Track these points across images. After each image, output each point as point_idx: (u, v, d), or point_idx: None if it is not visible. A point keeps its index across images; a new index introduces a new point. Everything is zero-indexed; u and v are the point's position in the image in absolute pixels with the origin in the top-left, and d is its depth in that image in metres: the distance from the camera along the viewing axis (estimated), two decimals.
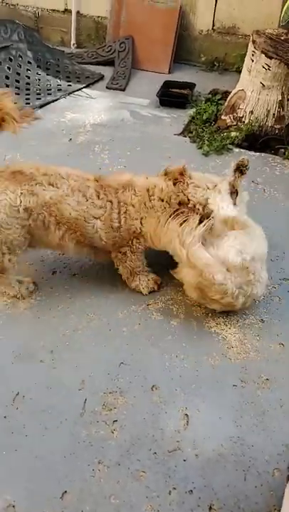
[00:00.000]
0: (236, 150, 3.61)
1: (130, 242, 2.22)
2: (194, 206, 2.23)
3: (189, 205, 2.22)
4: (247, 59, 3.58)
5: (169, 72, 4.97)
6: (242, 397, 1.90)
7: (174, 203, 2.20)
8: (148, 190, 2.19)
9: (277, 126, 3.63)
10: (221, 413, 1.85)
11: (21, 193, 1.99)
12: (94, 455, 1.70)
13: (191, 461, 1.70)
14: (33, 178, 2.04)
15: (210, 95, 4.34)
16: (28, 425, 1.78)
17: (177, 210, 2.14)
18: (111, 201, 2.13)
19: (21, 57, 4.59)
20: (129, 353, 2.07)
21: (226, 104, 3.90)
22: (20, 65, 4.55)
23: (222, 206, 2.21)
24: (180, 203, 2.21)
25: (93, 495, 1.59)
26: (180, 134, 3.86)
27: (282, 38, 3.48)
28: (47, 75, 4.67)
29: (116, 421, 1.81)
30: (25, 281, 2.31)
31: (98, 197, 2.12)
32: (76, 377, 1.96)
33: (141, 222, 2.18)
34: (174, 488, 1.61)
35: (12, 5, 5.53)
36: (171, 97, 4.35)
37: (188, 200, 2.23)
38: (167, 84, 4.48)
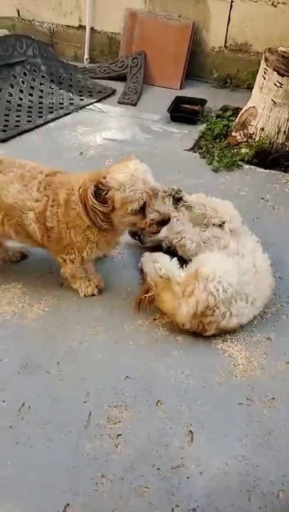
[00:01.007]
0: (246, 167, 3.64)
1: (68, 251, 2.18)
2: None
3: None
4: (259, 76, 3.62)
5: (181, 88, 5.06)
6: (248, 416, 1.89)
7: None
8: (73, 189, 2.03)
9: (288, 144, 3.65)
10: (226, 431, 1.84)
11: None
12: (98, 469, 1.69)
13: (195, 479, 1.68)
14: None
15: (221, 111, 4.39)
16: (32, 436, 1.78)
17: None
18: (48, 196, 2.08)
19: (35, 71, 4.70)
20: (134, 367, 2.07)
21: (236, 120, 3.95)
22: (34, 79, 4.65)
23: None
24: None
25: (96, 509, 1.58)
26: (190, 149, 3.90)
27: None
28: (60, 89, 4.77)
29: (120, 435, 1.81)
30: None
31: (38, 190, 2.09)
32: (81, 390, 1.96)
33: (68, 228, 2.08)
34: (177, 506, 1.60)
35: (28, 21, 5.68)
36: (182, 112, 4.40)
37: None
38: (178, 100, 4.55)
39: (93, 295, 2.39)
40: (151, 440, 1.80)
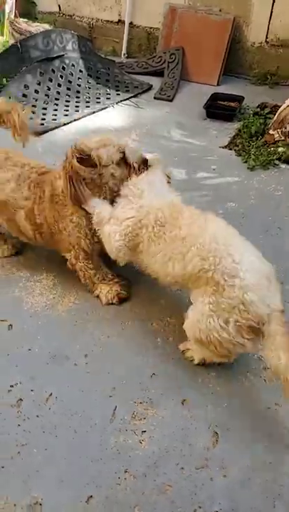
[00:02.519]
0: (283, 166, 3.55)
1: (67, 248, 2.22)
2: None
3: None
4: None
5: (218, 85, 4.99)
6: (275, 421, 1.85)
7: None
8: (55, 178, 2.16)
9: None
10: (253, 435, 1.80)
11: None
12: (121, 463, 1.70)
13: (219, 481, 1.66)
14: None
15: (258, 109, 4.29)
16: (58, 426, 1.81)
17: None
18: (36, 194, 2.18)
19: (74, 65, 4.74)
20: (161, 365, 2.06)
21: (274, 118, 3.85)
22: (72, 74, 4.70)
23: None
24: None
25: (118, 503, 1.59)
26: (225, 146, 3.85)
27: None
28: (97, 83, 4.80)
29: (145, 431, 1.81)
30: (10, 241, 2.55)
31: (28, 188, 2.19)
32: (108, 384, 1.97)
33: (55, 221, 2.14)
34: (200, 507, 1.59)
35: (69, 15, 5.74)
36: (219, 109, 4.34)
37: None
38: (215, 97, 4.49)
39: (112, 303, 2.30)
40: (175, 439, 1.79)
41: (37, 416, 1.84)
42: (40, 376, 1.98)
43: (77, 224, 2.11)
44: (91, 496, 1.60)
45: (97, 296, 2.33)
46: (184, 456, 1.74)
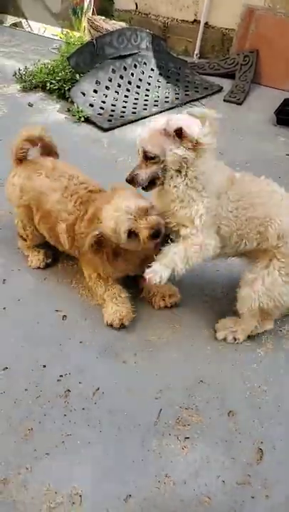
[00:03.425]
0: None
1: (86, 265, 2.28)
2: None
3: None
4: None
5: None
6: None
7: None
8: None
9: None
10: None
11: (19, 176, 2.31)
12: (162, 467, 1.70)
13: (260, 501, 1.61)
14: (38, 168, 2.30)
15: None
16: (103, 422, 1.83)
17: None
18: (80, 211, 2.18)
19: (146, 64, 4.77)
20: (209, 373, 2.03)
21: None
22: (143, 72, 4.73)
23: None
24: None
25: (156, 507, 1.58)
26: None
27: None
28: (167, 83, 4.80)
29: (188, 438, 1.79)
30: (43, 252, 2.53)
31: (74, 203, 2.20)
32: (155, 385, 1.97)
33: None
34: None
35: (145, 14, 5.78)
36: None
37: None
38: (287, 102, 4.33)
39: (111, 325, 2.18)
40: (218, 450, 1.76)
41: (83, 409, 1.87)
42: (89, 369, 2.02)
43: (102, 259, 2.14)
44: (130, 495, 1.61)
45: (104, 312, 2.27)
46: (226, 469, 1.70)
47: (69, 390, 1.93)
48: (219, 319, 2.23)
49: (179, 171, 1.84)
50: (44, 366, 2.01)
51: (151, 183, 1.93)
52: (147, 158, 1.86)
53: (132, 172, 1.93)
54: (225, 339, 2.16)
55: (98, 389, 1.95)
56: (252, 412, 1.89)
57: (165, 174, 1.87)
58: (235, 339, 2.15)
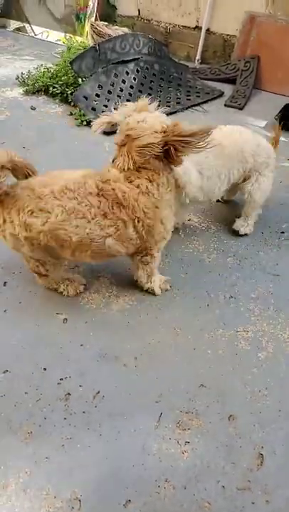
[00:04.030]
0: None
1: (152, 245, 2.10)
2: None
3: None
4: None
5: None
6: None
7: None
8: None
9: None
10: None
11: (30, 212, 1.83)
12: (162, 472, 1.69)
13: (260, 506, 1.60)
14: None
15: None
16: (103, 425, 1.82)
17: None
18: (108, 204, 1.87)
19: (148, 69, 4.79)
20: (210, 377, 2.03)
21: None
22: (145, 77, 4.75)
23: None
24: None
25: (156, 511, 1.58)
26: None
27: None
28: (168, 87, 4.82)
29: (188, 442, 1.78)
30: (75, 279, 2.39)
31: (106, 216, 1.86)
32: (155, 389, 1.97)
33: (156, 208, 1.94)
34: None
35: (147, 20, 5.81)
36: None
37: None
38: (288, 108, 4.35)
39: (166, 290, 2.42)
40: (218, 455, 1.75)
41: (83, 412, 1.86)
42: (89, 373, 2.02)
43: (168, 201, 2.01)
44: (129, 500, 1.60)
45: (148, 288, 2.38)
46: (226, 474, 1.69)
47: (69, 394, 1.93)
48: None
49: None
50: (44, 369, 2.01)
51: None
52: None
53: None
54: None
55: (98, 392, 1.94)
56: (252, 417, 1.88)
57: None
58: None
